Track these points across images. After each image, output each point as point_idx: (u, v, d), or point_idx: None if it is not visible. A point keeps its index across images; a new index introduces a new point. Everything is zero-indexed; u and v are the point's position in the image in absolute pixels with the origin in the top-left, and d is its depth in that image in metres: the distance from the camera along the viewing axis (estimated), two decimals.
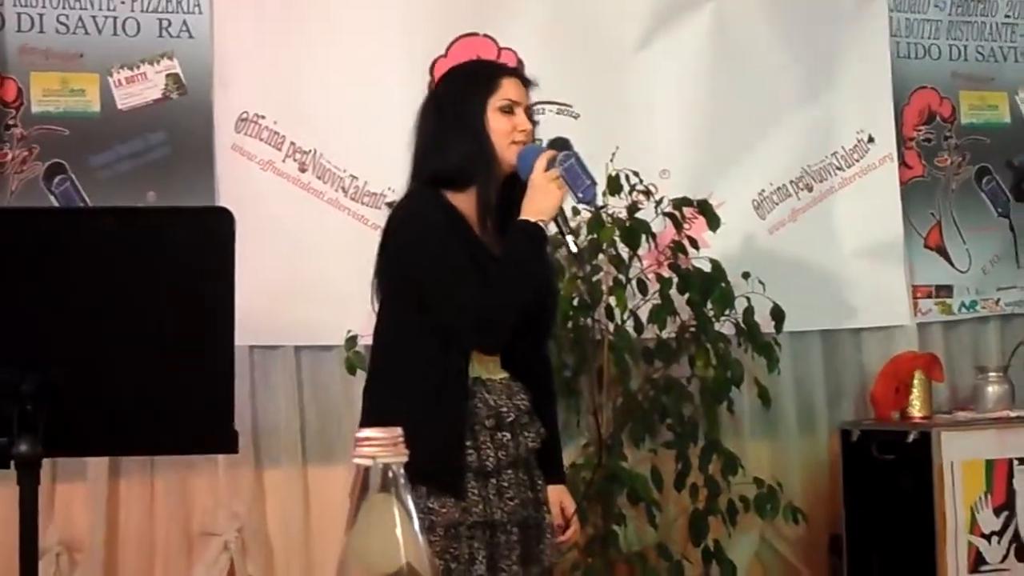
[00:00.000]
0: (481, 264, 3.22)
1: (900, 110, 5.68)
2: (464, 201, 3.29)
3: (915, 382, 5.30)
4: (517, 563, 3.26)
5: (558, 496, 3.46)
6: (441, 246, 3.21)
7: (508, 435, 3.27)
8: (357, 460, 1.44)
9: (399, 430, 1.46)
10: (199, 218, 2.60)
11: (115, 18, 4.58)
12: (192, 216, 2.69)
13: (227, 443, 2.48)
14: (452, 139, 3.30)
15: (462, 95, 3.33)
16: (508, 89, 3.31)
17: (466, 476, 3.20)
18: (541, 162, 3.23)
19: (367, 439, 1.44)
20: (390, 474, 1.47)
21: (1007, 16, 5.89)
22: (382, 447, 1.44)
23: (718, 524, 4.93)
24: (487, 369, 3.30)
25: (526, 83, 3.40)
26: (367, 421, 3.25)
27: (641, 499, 4.78)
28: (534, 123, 3.39)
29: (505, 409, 3.27)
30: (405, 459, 1.46)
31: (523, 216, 3.22)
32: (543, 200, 3.21)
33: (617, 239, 4.74)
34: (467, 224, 3.27)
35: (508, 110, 3.29)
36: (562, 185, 3.23)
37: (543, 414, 3.40)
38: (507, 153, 3.27)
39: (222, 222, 2.42)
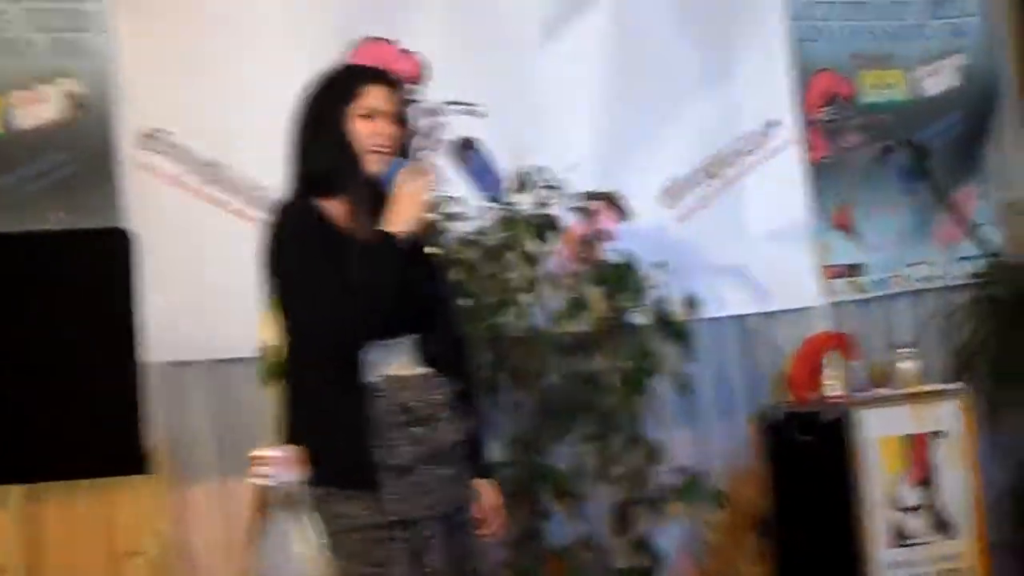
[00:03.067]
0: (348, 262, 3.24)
1: (802, 93, 5.73)
2: (337, 205, 3.32)
3: (830, 362, 5.34)
4: (440, 559, 3.26)
5: (486, 490, 3.47)
6: (294, 259, 3.26)
7: (422, 430, 3.28)
8: (253, 480, 1.44)
9: (293, 448, 1.45)
10: (97, 240, 2.58)
11: (4, 39, 4.53)
12: (90, 238, 2.67)
13: (137, 465, 2.46)
14: (316, 147, 3.34)
15: (324, 103, 3.36)
16: (370, 97, 3.33)
17: (378, 473, 3.21)
18: (402, 176, 3.27)
19: (261, 458, 1.44)
20: (290, 493, 1.47)
21: None
22: (277, 466, 1.44)
23: (645, 514, 4.95)
24: (401, 365, 3.31)
25: (394, 86, 3.41)
26: (284, 436, 3.29)
27: (566, 494, 4.79)
28: (407, 126, 3.39)
29: (419, 404, 3.28)
30: (302, 477, 1.46)
31: (383, 227, 3.26)
32: (401, 213, 3.25)
33: (527, 236, 4.75)
34: (335, 227, 3.30)
35: (368, 117, 3.32)
36: (419, 201, 3.26)
37: (463, 407, 3.41)
38: (367, 159, 3.31)
39: (120, 243, 2.41)
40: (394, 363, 3.31)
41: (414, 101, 3.61)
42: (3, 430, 2.41)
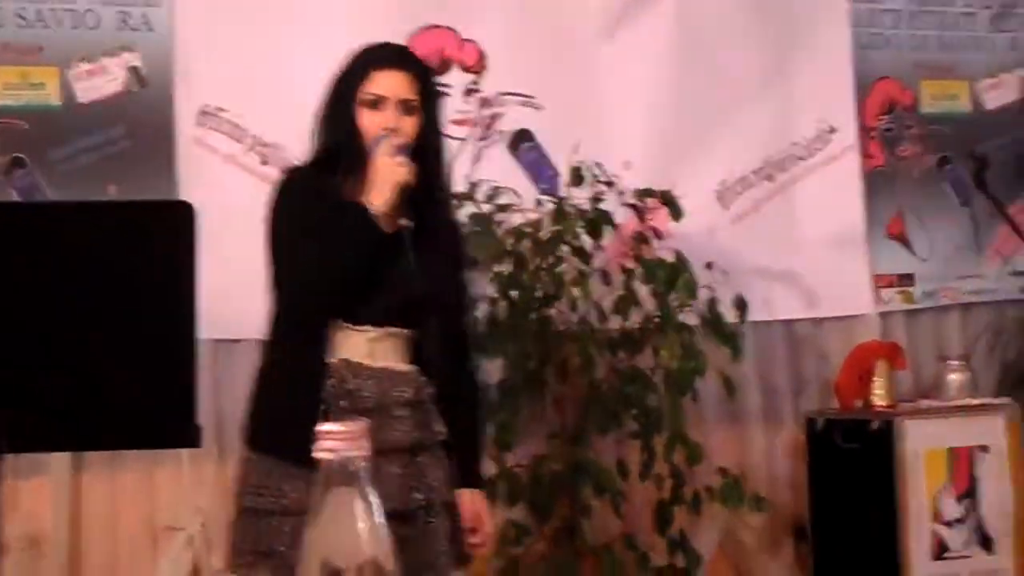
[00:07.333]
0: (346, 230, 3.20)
1: (862, 100, 5.70)
2: (348, 183, 3.25)
3: (878, 371, 5.32)
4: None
5: (467, 500, 3.35)
6: (280, 228, 3.25)
7: (368, 422, 3.17)
8: (318, 454, 1.44)
9: (362, 423, 1.45)
10: (161, 212, 2.60)
11: (74, 11, 4.55)
12: (154, 210, 2.68)
13: (189, 437, 2.47)
14: (325, 125, 3.31)
15: (338, 82, 3.30)
16: (377, 82, 3.23)
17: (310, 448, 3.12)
18: (379, 150, 3.20)
19: (328, 433, 1.44)
20: (352, 468, 1.47)
21: (966, 5, 5.91)
22: (343, 441, 1.44)
23: (683, 514, 4.94)
24: (361, 353, 3.22)
25: (412, 71, 3.30)
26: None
27: (606, 491, 4.78)
28: (429, 115, 3.28)
29: (367, 395, 3.19)
30: (368, 453, 1.46)
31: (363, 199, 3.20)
32: (378, 187, 3.18)
33: (580, 230, 4.75)
34: (335, 202, 3.22)
35: (373, 105, 3.24)
36: (401, 171, 3.18)
37: (451, 416, 3.29)
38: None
39: (184, 216, 2.42)
40: (362, 350, 3.23)
41: (444, 91, 3.54)
42: (57, 397, 2.42)
